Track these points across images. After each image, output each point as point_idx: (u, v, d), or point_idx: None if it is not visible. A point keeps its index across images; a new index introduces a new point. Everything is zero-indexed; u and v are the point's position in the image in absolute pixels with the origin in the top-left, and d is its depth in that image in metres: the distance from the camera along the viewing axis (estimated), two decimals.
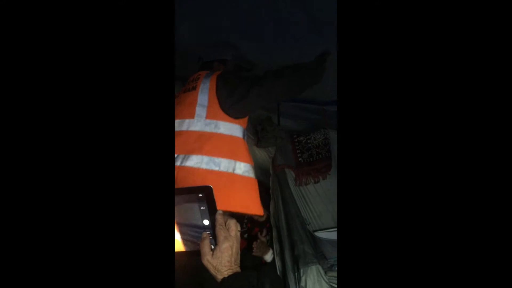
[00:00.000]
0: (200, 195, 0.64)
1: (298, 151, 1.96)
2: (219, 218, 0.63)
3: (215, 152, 1.00)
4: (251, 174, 1.05)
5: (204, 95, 1.05)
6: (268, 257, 1.74)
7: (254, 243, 1.72)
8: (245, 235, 1.91)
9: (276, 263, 1.68)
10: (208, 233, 0.64)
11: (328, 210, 1.95)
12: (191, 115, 1.05)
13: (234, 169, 1.01)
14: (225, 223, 0.63)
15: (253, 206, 1.02)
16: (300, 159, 1.95)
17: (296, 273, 1.72)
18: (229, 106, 1.04)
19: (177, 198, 0.63)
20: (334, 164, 1.93)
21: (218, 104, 1.04)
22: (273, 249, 1.73)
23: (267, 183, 1.89)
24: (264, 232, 1.78)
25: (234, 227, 0.64)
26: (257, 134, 1.95)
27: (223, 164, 0.99)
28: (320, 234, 1.94)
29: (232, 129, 1.05)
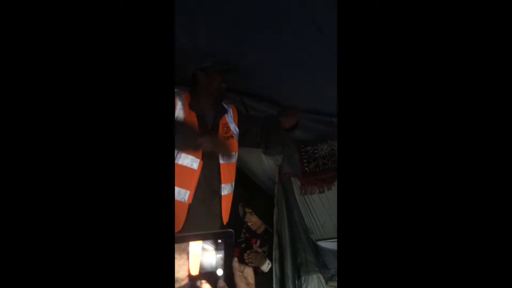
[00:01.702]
0: (220, 240, 0.60)
1: (304, 161, 1.99)
2: (236, 265, 0.61)
3: None
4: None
5: None
6: (265, 267, 1.77)
7: (245, 254, 1.76)
8: (243, 245, 1.95)
9: (274, 271, 1.71)
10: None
11: (332, 220, 1.97)
12: None
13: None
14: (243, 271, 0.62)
15: None
16: (306, 168, 1.98)
17: (296, 281, 1.75)
18: None
19: (190, 245, 0.58)
20: None
21: None
22: (271, 257, 1.77)
23: (273, 190, 1.93)
24: (258, 243, 1.83)
25: (252, 274, 0.64)
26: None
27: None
28: (322, 244, 1.96)
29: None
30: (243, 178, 2.24)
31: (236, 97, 1.97)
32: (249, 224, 1.97)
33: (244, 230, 2.03)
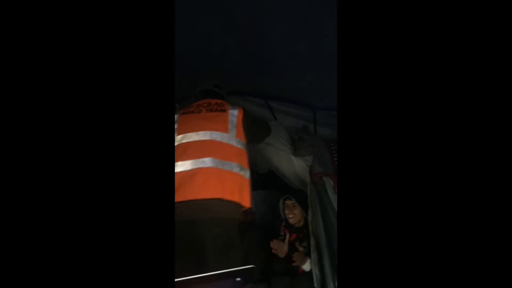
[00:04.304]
0: (238, 279, 0.59)
1: (335, 159, 1.95)
2: None
3: (236, 160, 1.39)
4: (248, 176, 1.44)
5: (233, 118, 1.46)
6: (306, 266, 1.75)
7: (293, 256, 1.75)
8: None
9: (314, 272, 1.68)
10: None
11: None
12: (226, 130, 1.41)
13: (244, 174, 1.40)
14: None
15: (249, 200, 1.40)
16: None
17: (336, 282, 1.71)
18: (256, 139, 1.62)
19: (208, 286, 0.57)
20: None
21: (242, 130, 1.47)
22: (310, 257, 1.74)
23: (305, 191, 1.91)
24: (304, 243, 1.81)
25: None
26: (294, 144, 1.99)
27: (237, 169, 1.37)
28: None
29: (245, 146, 1.48)
30: (277, 181, 2.25)
31: (260, 101, 1.99)
32: (290, 216, 1.96)
33: (283, 227, 2.02)
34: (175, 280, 0.60)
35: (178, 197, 1.22)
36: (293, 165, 2.00)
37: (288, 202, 1.99)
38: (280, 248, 1.80)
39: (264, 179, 2.24)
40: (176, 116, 1.47)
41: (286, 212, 1.99)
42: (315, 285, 1.68)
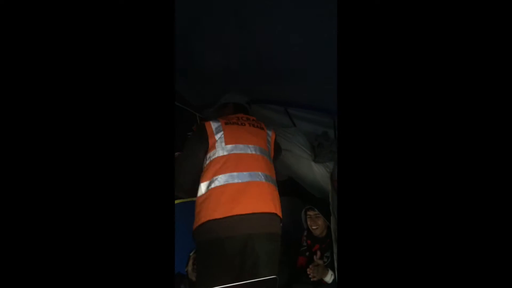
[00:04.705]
0: None
1: None
2: None
3: (272, 174, 1.47)
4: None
5: (269, 138, 1.57)
6: (328, 278, 1.67)
7: (309, 268, 1.67)
8: (307, 253, 1.90)
9: (337, 282, 1.63)
10: None
11: None
12: (265, 147, 1.50)
13: (276, 185, 1.46)
14: None
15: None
16: None
17: None
18: (276, 158, 1.65)
19: None
20: None
21: (273, 150, 1.57)
22: (333, 266, 1.68)
23: (327, 198, 1.87)
24: (319, 255, 1.74)
25: None
26: (313, 150, 1.96)
27: (274, 181, 1.44)
28: None
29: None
30: (297, 189, 2.22)
31: (279, 108, 1.99)
32: (314, 228, 1.90)
33: (305, 238, 1.97)
34: None
35: (237, 210, 1.24)
36: (313, 171, 1.97)
37: (310, 213, 1.93)
38: (320, 273, 1.68)
39: (284, 186, 2.21)
40: (217, 123, 1.44)
41: (309, 223, 1.93)
42: None
